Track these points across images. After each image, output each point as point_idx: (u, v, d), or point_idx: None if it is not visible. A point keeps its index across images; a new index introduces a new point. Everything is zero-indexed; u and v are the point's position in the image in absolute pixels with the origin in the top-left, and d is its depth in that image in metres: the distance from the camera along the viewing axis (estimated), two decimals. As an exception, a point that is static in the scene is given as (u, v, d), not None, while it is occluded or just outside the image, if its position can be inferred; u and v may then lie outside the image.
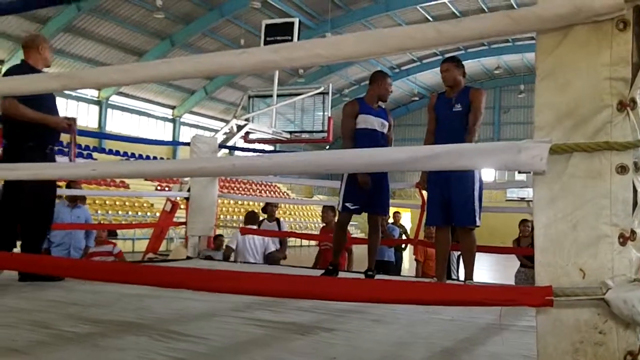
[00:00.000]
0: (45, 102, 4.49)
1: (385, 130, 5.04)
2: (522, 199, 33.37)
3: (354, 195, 4.97)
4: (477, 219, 4.60)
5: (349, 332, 3.03)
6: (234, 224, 26.17)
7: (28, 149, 4.36)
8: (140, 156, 30.73)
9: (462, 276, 6.00)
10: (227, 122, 12.42)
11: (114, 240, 9.52)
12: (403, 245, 10.59)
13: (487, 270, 16.68)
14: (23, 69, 4.49)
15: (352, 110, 5.05)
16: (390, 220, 10.41)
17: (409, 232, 12.00)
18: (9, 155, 4.46)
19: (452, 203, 4.60)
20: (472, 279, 4.80)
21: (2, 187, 4.67)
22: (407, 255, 12.55)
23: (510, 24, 1.56)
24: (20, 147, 4.38)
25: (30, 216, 4.52)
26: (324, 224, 8.98)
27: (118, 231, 14.98)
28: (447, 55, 5.42)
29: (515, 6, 30.33)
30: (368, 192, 4.93)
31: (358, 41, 1.73)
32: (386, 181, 5.07)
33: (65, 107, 28.56)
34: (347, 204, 5.00)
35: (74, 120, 4.67)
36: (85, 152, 25.09)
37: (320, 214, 8.68)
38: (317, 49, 1.75)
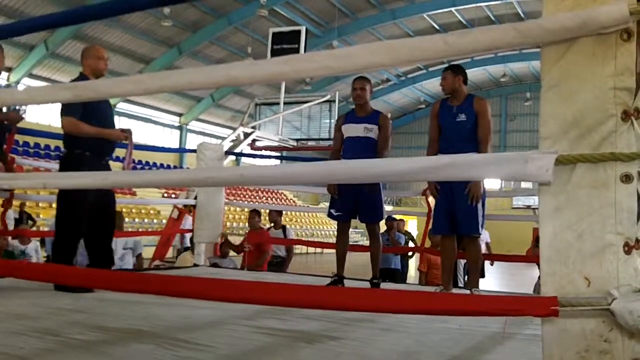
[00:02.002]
0: (100, 113, 4.68)
1: (371, 135, 5.00)
2: (529, 207, 33.26)
3: (338, 203, 5.07)
4: (480, 228, 4.62)
5: (357, 341, 3.03)
6: (240, 231, 26.19)
7: (87, 159, 4.57)
8: (147, 163, 30.80)
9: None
10: (234, 129, 12.47)
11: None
12: (410, 253, 10.54)
13: (494, 277, 16.62)
14: (77, 80, 4.63)
15: (338, 124, 5.27)
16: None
17: (415, 239, 11.93)
18: (66, 163, 4.67)
19: (456, 211, 4.62)
20: (478, 287, 4.81)
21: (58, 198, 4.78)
22: (414, 262, 12.51)
23: (517, 36, 1.58)
24: (81, 157, 4.59)
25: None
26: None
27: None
28: (452, 63, 5.43)
29: (522, 14, 30.35)
30: (353, 200, 4.98)
31: (367, 53, 1.74)
32: (377, 190, 5.03)
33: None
34: (331, 210, 5.13)
35: (129, 132, 4.84)
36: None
37: (326, 221, 8.78)
38: (327, 61, 1.76)
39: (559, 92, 1.57)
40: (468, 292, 4.78)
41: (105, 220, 4.88)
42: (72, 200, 4.56)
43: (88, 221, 4.68)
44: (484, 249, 10.45)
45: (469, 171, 1.73)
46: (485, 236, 10.53)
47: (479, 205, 4.58)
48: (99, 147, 4.67)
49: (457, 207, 4.61)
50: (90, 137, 4.57)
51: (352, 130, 5.04)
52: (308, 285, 2.07)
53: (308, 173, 1.98)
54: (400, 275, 9.88)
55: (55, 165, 5.27)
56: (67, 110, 4.52)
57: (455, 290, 5.18)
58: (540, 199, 1.59)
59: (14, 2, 23.03)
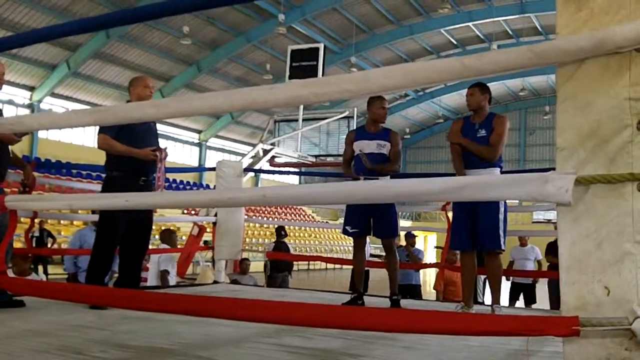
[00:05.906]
0: (137, 134, 4.72)
1: (384, 151, 5.05)
2: (549, 221, 32.91)
3: (353, 219, 5.07)
4: (503, 243, 4.60)
5: (378, 359, 3.03)
6: (259, 247, 26.21)
7: (119, 180, 4.66)
8: (167, 180, 30.95)
9: (487, 300, 5.95)
10: (253, 145, 12.58)
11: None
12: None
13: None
14: None
15: (349, 139, 5.29)
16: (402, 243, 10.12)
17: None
18: (104, 185, 4.84)
19: (479, 227, 4.60)
20: (499, 304, 4.77)
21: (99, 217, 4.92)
22: (428, 278, 12.39)
23: (532, 58, 1.60)
24: (113, 178, 4.73)
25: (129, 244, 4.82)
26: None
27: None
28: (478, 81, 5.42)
29: (539, 28, 30.24)
30: (368, 216, 4.99)
31: (385, 76, 1.77)
32: (391, 205, 5.04)
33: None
34: (347, 227, 5.13)
35: (161, 150, 4.84)
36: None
37: (344, 236, 8.64)
38: (345, 84, 1.79)
39: (574, 104, 1.59)
40: (489, 309, 4.75)
41: (139, 240, 4.95)
42: (108, 220, 4.68)
43: (123, 240, 4.77)
44: (535, 267, 10.27)
45: (489, 192, 1.74)
46: (536, 253, 10.33)
47: (501, 219, 4.58)
48: (133, 167, 4.71)
49: (480, 223, 4.59)
50: (122, 156, 4.66)
51: (365, 146, 5.06)
52: (329, 305, 2.08)
53: (329, 193, 2.00)
54: (420, 292, 9.79)
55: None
56: (103, 128, 4.65)
57: (475, 307, 5.14)
58: (558, 209, 1.60)
59: (62, 0, 23.14)
